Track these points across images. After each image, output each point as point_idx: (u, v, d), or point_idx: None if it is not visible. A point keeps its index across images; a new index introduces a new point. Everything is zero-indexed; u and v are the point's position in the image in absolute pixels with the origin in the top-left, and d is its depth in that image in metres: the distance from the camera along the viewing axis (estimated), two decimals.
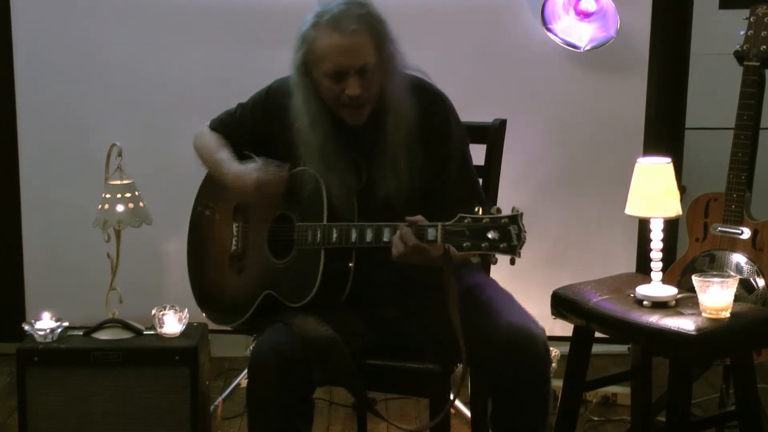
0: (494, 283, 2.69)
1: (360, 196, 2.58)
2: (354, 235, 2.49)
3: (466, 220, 2.27)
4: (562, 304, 2.92)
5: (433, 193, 2.57)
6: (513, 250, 2.23)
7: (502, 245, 2.23)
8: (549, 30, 3.51)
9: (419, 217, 2.38)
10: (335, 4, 2.50)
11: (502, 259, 2.26)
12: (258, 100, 2.75)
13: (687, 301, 2.81)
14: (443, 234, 2.30)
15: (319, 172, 2.57)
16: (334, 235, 2.52)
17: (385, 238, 2.43)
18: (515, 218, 2.24)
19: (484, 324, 2.45)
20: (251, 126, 2.76)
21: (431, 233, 2.33)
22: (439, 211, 2.36)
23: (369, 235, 2.46)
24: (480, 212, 2.27)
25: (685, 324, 2.65)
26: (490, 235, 2.24)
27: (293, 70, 2.57)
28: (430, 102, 2.61)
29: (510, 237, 2.23)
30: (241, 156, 2.77)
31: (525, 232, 2.23)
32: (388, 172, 2.55)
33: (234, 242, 2.77)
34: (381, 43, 2.51)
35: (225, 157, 2.75)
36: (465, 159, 2.64)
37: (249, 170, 2.65)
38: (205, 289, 2.85)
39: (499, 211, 2.26)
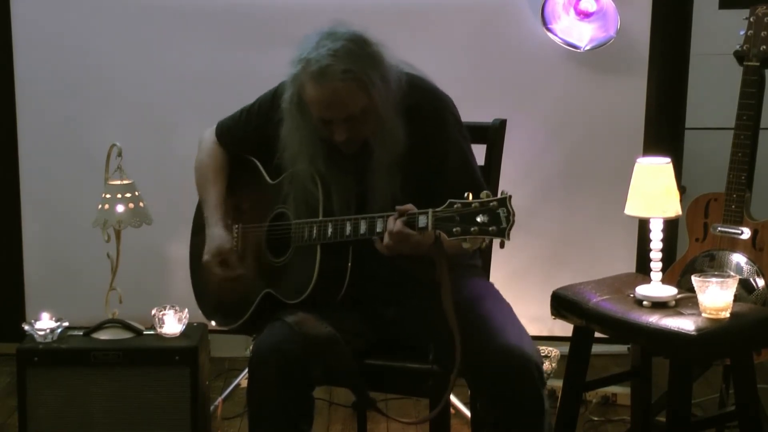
0: (495, 293, 2.68)
1: (357, 203, 2.59)
2: (348, 228, 2.49)
3: (456, 206, 2.29)
4: (562, 304, 2.92)
5: (433, 188, 2.57)
6: (502, 233, 2.24)
7: (491, 228, 2.25)
8: (549, 30, 3.51)
9: (409, 206, 2.39)
10: (323, 53, 2.45)
11: (497, 253, 2.26)
12: (265, 102, 2.75)
13: (687, 301, 2.81)
14: (434, 220, 2.31)
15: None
16: (330, 230, 2.52)
17: (378, 229, 2.44)
18: (504, 201, 2.25)
19: (478, 343, 2.44)
20: (255, 128, 2.76)
21: (422, 220, 2.34)
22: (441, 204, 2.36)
23: (363, 227, 2.47)
24: (470, 197, 2.28)
25: (685, 324, 2.65)
26: (479, 219, 2.25)
27: (286, 103, 2.57)
28: (423, 97, 2.61)
29: (499, 220, 2.24)
30: (242, 159, 2.79)
31: (514, 214, 2.25)
32: (384, 184, 2.55)
33: (234, 244, 2.78)
34: (369, 87, 2.47)
35: (211, 201, 2.79)
36: (465, 154, 2.63)
37: (212, 248, 2.70)
38: (207, 292, 2.85)
39: (488, 195, 2.27)
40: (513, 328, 2.51)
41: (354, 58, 2.46)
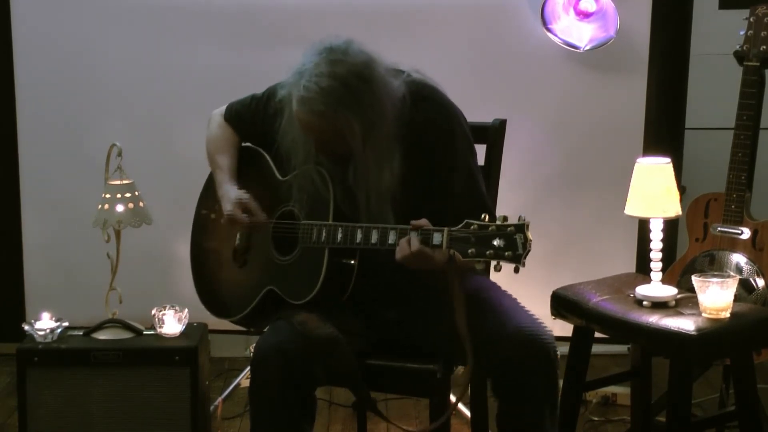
0: (497, 286, 2.69)
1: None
2: (359, 236, 2.49)
3: (472, 227, 2.28)
4: (562, 304, 2.93)
5: (437, 202, 2.56)
6: (518, 259, 2.24)
7: (507, 253, 2.24)
8: (549, 30, 3.51)
9: (424, 221, 2.38)
10: (313, 82, 2.42)
11: (505, 267, 2.27)
12: (272, 95, 2.75)
13: (687, 301, 2.81)
14: (449, 239, 2.31)
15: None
16: (339, 235, 2.52)
17: (390, 241, 2.43)
18: (521, 227, 2.25)
19: (491, 326, 2.45)
20: (262, 118, 2.76)
21: (437, 238, 2.33)
22: (443, 221, 2.36)
23: (374, 237, 2.47)
24: (487, 219, 2.28)
25: (685, 324, 2.65)
26: (495, 243, 2.25)
27: (285, 98, 2.56)
28: (432, 111, 2.59)
29: (515, 246, 2.24)
30: (253, 153, 2.79)
31: (531, 240, 2.24)
32: (373, 220, 2.54)
33: (238, 236, 2.78)
34: (345, 131, 2.45)
35: (223, 165, 2.79)
36: (471, 171, 2.61)
37: (232, 198, 2.69)
38: (208, 282, 2.86)
39: (505, 219, 2.27)
40: (524, 313, 2.52)
41: (337, 101, 2.43)
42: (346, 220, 2.54)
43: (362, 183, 2.52)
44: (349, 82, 2.44)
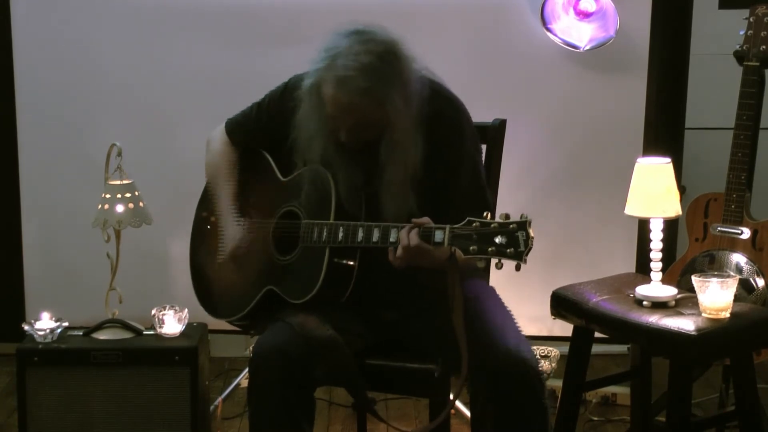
0: (493, 295, 2.68)
1: (366, 199, 2.58)
2: (360, 235, 2.49)
3: (474, 224, 2.29)
4: (562, 304, 2.92)
5: (442, 197, 2.56)
6: (519, 256, 2.24)
7: (508, 250, 2.25)
8: (549, 30, 3.51)
9: (426, 219, 2.38)
10: (351, 61, 2.43)
11: (507, 264, 2.27)
12: (275, 97, 2.74)
13: (687, 301, 2.81)
14: (450, 236, 2.31)
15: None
16: (341, 234, 2.52)
17: (392, 239, 2.43)
18: (524, 224, 2.25)
19: (477, 345, 2.44)
20: (266, 123, 2.76)
21: (439, 235, 2.33)
22: (445, 215, 2.36)
23: (376, 235, 2.47)
24: (489, 217, 2.28)
25: (685, 324, 2.65)
26: (497, 240, 2.26)
27: (306, 89, 2.55)
28: (444, 106, 2.60)
29: (517, 242, 2.24)
30: (254, 154, 2.79)
31: (533, 238, 2.24)
32: (398, 202, 2.54)
33: (239, 236, 2.77)
34: (387, 106, 2.46)
35: (223, 195, 2.80)
36: (476, 167, 2.63)
37: (229, 237, 2.74)
38: (206, 282, 2.86)
39: (507, 217, 2.27)
40: (511, 332, 2.51)
41: (379, 76, 2.44)
42: (350, 220, 2.54)
43: (395, 156, 2.52)
44: (386, 58, 2.47)
